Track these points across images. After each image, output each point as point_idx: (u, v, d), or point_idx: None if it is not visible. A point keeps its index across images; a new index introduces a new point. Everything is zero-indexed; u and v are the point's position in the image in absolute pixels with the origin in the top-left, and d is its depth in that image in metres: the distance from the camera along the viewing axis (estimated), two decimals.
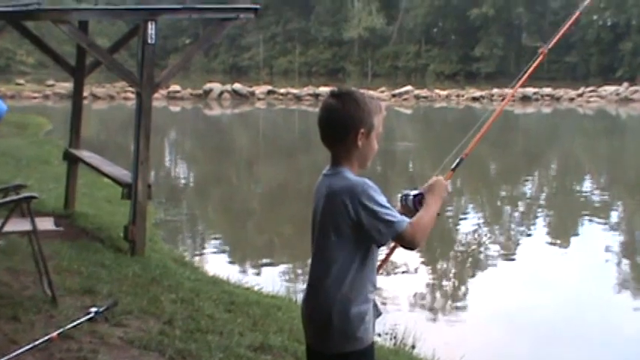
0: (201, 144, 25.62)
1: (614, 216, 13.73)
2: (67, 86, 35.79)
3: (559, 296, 8.40)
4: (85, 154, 8.77)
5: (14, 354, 4.12)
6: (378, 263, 2.71)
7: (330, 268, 2.56)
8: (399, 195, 2.82)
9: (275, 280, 8.27)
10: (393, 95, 45.69)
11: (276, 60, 78.66)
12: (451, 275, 9.74)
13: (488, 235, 12.01)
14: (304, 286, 2.73)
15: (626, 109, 41.08)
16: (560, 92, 46.12)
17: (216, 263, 9.20)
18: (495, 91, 44.69)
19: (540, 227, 12.70)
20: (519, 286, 8.85)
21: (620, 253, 10.77)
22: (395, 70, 73.47)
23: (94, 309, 4.85)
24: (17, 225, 5.18)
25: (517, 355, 6.79)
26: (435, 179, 2.75)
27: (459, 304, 8.51)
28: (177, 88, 41.60)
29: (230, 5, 7.99)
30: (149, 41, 6.87)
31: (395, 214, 2.52)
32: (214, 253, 10.19)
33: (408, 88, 47.57)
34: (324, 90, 40.21)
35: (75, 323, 4.62)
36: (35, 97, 39.70)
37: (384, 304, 7.36)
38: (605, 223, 12.62)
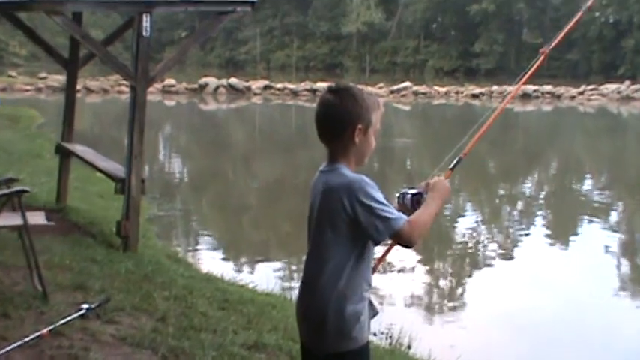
0: (197, 139, 25.59)
1: (615, 216, 13.75)
2: (60, 79, 35.74)
3: (558, 297, 8.41)
4: (77, 148, 8.75)
5: (4, 351, 4.11)
6: (374, 262, 2.72)
7: (326, 266, 2.56)
8: (397, 194, 2.82)
9: (270, 277, 8.26)
10: (392, 91, 45.74)
11: (273, 54, 78.67)
12: (448, 274, 9.75)
13: (487, 234, 12.02)
14: (299, 284, 2.73)
15: (628, 108, 41.17)
16: (560, 90, 46.20)
17: (211, 260, 9.20)
18: (495, 88, 44.78)
19: (540, 227, 12.72)
20: (518, 287, 8.86)
21: (621, 253, 10.79)
22: (393, 66, 73.54)
23: (85, 305, 4.85)
24: (8, 219, 5.17)
25: (515, 356, 6.79)
26: (438, 180, 2.75)
27: (456, 303, 8.52)
28: (172, 82, 41.56)
29: None
30: (144, 34, 6.86)
31: (392, 211, 2.52)
32: (208, 249, 10.19)
33: (407, 84, 47.59)
34: (322, 85, 40.21)
35: (66, 320, 4.61)
36: (27, 90, 39.63)
37: (380, 303, 7.37)
38: (606, 223, 12.64)
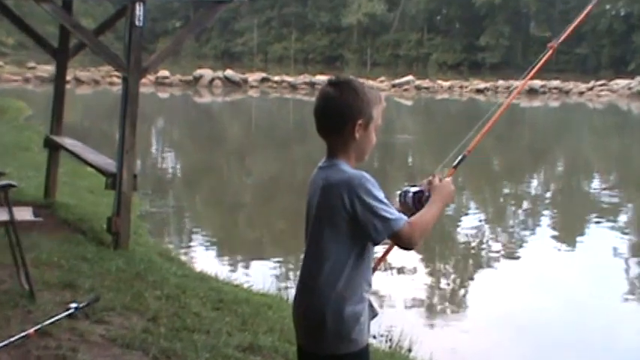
0: (191, 133, 25.59)
1: (624, 216, 13.76)
2: (48, 69, 35.68)
3: (563, 299, 8.42)
4: (67, 142, 8.75)
5: None
6: (375, 261, 2.71)
7: (324, 265, 2.56)
8: (398, 192, 2.82)
9: (266, 277, 8.26)
10: (393, 85, 45.73)
11: (271, 46, 78.56)
12: (451, 276, 9.76)
13: (491, 234, 12.04)
14: (296, 284, 2.73)
15: (638, 104, 41.15)
16: (569, 85, 46.17)
17: (204, 258, 9.20)
18: (501, 83, 44.73)
19: (545, 227, 12.72)
20: (522, 289, 8.86)
21: (629, 255, 10.80)
22: (395, 59, 73.46)
23: (74, 304, 4.84)
24: None
25: None
26: (443, 181, 2.75)
27: (458, 306, 8.53)
28: (166, 73, 41.53)
29: None
30: (137, 23, 6.85)
31: (392, 211, 2.52)
32: (202, 247, 10.19)
33: (409, 78, 47.60)
34: (321, 79, 40.25)
35: (53, 319, 4.61)
36: (15, 80, 39.56)
37: (379, 304, 7.37)
38: (614, 224, 12.64)
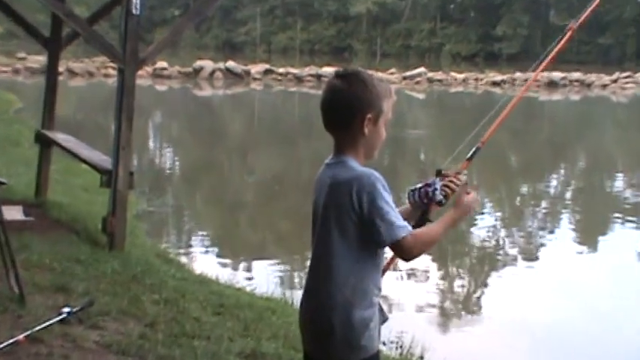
0: (190, 128, 25.62)
1: None
2: (40, 60, 35.77)
3: (585, 305, 8.39)
4: (59, 137, 8.76)
5: None
6: (384, 264, 2.71)
7: (332, 268, 2.55)
8: (407, 191, 2.82)
9: (269, 280, 8.28)
10: (404, 77, 45.73)
11: (275, 36, 78.66)
12: (464, 279, 9.75)
13: (507, 236, 12.02)
14: (302, 288, 2.72)
15: None
16: (591, 77, 46.08)
17: (205, 261, 9.21)
18: (518, 75, 44.58)
19: (565, 228, 12.71)
20: (541, 294, 8.84)
21: None
22: (406, 50, 73.51)
23: (66, 309, 4.85)
24: None
25: None
26: (471, 196, 2.74)
27: (472, 311, 8.52)
28: (164, 65, 41.61)
29: None
30: (134, 12, 6.85)
31: (399, 217, 2.51)
32: (202, 249, 10.20)
33: (421, 70, 47.62)
34: (328, 70, 40.26)
35: (45, 324, 4.61)
36: (4, 71, 39.68)
37: (389, 309, 7.37)
38: (639, 224, 12.61)
